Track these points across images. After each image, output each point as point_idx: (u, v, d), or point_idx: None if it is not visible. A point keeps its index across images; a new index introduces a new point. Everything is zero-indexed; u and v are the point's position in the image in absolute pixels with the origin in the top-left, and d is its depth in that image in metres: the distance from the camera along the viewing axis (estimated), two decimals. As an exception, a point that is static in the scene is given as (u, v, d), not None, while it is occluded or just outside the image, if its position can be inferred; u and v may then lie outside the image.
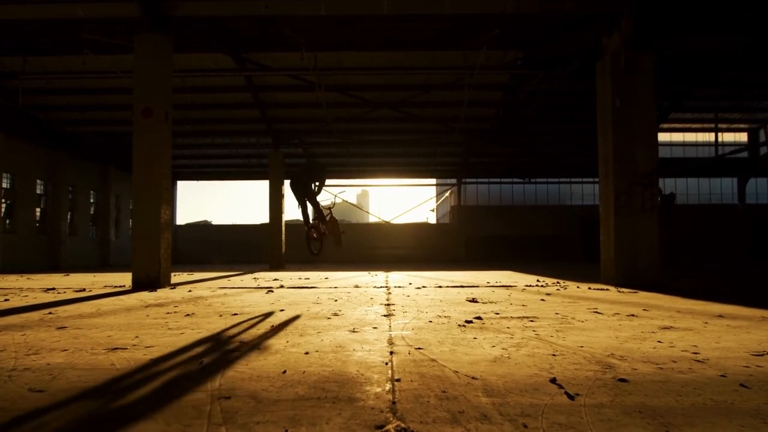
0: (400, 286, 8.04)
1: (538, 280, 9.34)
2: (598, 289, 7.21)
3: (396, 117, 16.69)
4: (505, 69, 12.74)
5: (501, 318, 4.23)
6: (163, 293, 6.89)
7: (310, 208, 8.21)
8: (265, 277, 11.07)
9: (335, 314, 4.52)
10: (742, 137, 24.14)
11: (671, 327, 3.70)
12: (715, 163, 23.27)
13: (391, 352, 2.82)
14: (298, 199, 7.96)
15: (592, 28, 9.02)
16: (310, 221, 8.20)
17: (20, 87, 13.24)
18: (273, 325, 3.85)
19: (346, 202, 28.62)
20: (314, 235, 8.21)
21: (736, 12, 9.74)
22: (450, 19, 9.62)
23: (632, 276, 7.97)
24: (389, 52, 12.34)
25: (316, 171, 8.12)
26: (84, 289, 7.59)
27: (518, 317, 4.27)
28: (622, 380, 2.22)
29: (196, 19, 9.00)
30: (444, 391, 2.05)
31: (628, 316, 4.34)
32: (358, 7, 8.98)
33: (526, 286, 8.06)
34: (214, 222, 34.28)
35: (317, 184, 8.18)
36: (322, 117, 16.31)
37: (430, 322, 4.01)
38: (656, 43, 8.84)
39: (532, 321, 4.04)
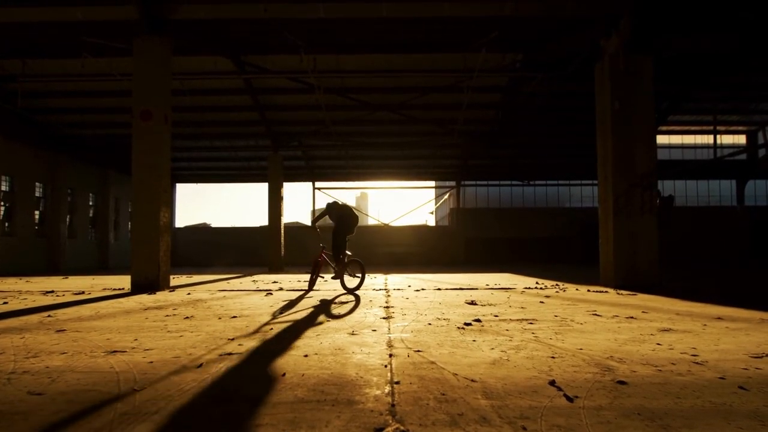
0: (399, 289, 8.04)
1: (537, 283, 9.34)
2: (597, 292, 7.21)
3: (395, 119, 16.72)
4: (504, 71, 12.77)
5: (500, 320, 4.23)
6: (162, 296, 6.88)
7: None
8: (265, 280, 11.07)
9: (334, 317, 4.52)
10: (741, 139, 24.18)
11: (670, 329, 3.71)
12: (714, 165, 23.31)
13: (391, 355, 2.82)
14: (341, 234, 7.32)
15: (591, 30, 9.04)
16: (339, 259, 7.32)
17: (19, 89, 13.24)
18: (272, 328, 3.85)
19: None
20: (321, 265, 7.45)
21: (736, 12, 9.74)
22: (449, 22, 9.65)
23: (631, 278, 7.97)
24: (388, 55, 12.36)
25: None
26: (83, 292, 7.58)
27: (517, 320, 4.27)
28: (621, 382, 2.22)
29: (195, 22, 9.01)
30: (443, 394, 2.05)
31: (627, 318, 4.34)
32: (356, 10, 9.00)
33: (525, 288, 8.06)
34: (213, 224, 34.28)
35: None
36: (321, 119, 16.34)
37: (429, 324, 4.01)
38: (655, 45, 8.85)
39: (531, 323, 4.04)
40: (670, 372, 2.41)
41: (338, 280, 7.30)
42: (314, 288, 7.82)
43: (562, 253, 25.91)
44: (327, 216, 7.76)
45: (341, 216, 7.55)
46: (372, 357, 2.77)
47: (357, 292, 7.12)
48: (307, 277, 12.36)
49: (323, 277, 7.34)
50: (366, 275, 7.34)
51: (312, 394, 2.06)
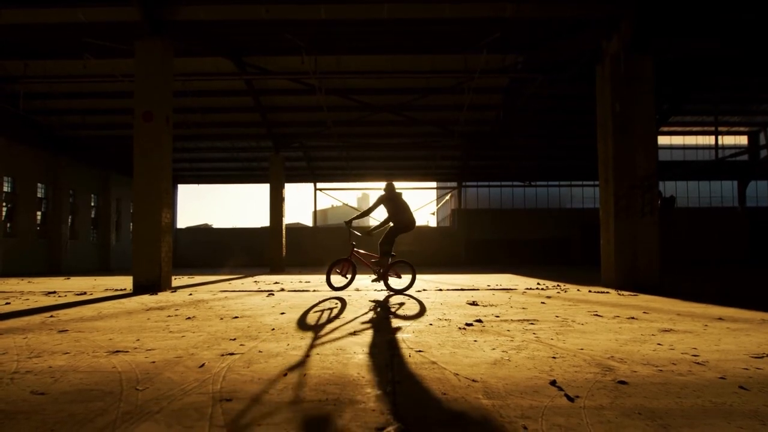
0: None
1: (538, 283, 9.34)
2: (598, 292, 7.21)
3: (396, 120, 16.75)
4: (505, 72, 12.78)
5: (501, 321, 4.23)
6: (163, 296, 6.90)
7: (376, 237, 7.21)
8: (266, 281, 11.08)
9: (336, 317, 4.53)
10: (742, 140, 24.16)
11: (671, 330, 3.71)
12: (715, 166, 23.28)
13: (392, 355, 2.82)
14: (397, 232, 6.96)
15: (592, 32, 9.05)
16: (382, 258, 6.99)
17: (21, 91, 13.28)
18: (273, 328, 3.86)
19: (347, 205, 28.64)
20: (349, 264, 7.03)
21: (738, 15, 9.73)
22: (450, 23, 9.66)
23: (632, 279, 7.97)
24: (389, 56, 12.38)
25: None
26: (85, 293, 7.60)
27: (518, 320, 4.27)
28: (622, 382, 2.22)
29: (196, 24, 9.04)
30: (444, 394, 2.06)
31: (628, 318, 4.34)
32: (358, 11, 9.01)
33: (527, 289, 8.06)
34: (215, 225, 34.29)
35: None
36: (322, 120, 16.36)
37: (431, 325, 4.02)
38: (656, 47, 8.85)
39: (532, 324, 4.04)
40: (671, 372, 2.42)
41: (380, 281, 6.97)
42: (317, 282, 7.65)
43: (564, 254, 25.90)
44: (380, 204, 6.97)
45: (400, 207, 6.95)
46: (373, 357, 2.77)
47: (352, 290, 7.08)
48: (309, 277, 12.38)
49: (346, 277, 7.10)
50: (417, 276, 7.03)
51: (314, 393, 2.07)
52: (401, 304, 5.67)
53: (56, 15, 8.98)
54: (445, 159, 23.13)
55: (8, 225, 16.46)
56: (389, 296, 6.73)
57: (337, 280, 7.13)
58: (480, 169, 24.86)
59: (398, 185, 27.19)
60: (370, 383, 2.23)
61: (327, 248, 26.16)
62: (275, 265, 17.81)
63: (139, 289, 7.87)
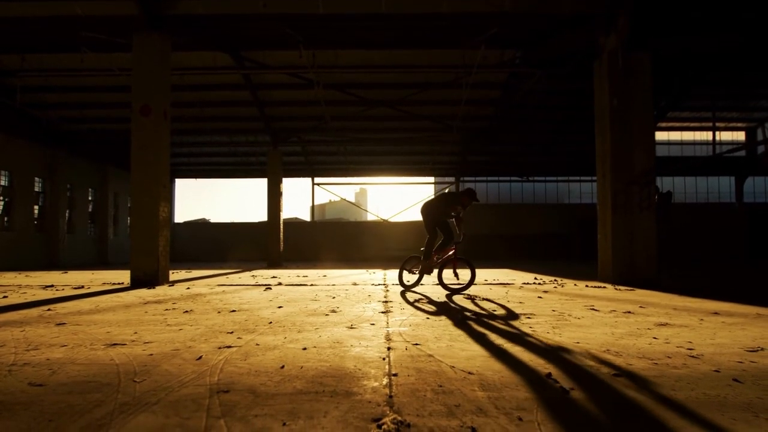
0: (398, 284, 8.04)
1: (535, 278, 9.37)
2: (595, 287, 7.24)
3: (394, 115, 16.71)
4: (503, 67, 12.75)
5: (498, 315, 4.25)
6: (161, 290, 6.90)
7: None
8: (264, 275, 11.08)
9: (333, 311, 4.54)
10: (740, 136, 24.18)
11: (667, 324, 3.73)
12: (713, 161, 23.30)
13: (389, 348, 2.83)
14: (431, 223, 6.66)
15: (590, 27, 9.03)
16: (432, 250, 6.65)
17: (18, 85, 13.21)
18: (271, 322, 3.87)
19: (345, 200, 28.64)
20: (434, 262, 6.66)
21: (737, 13, 9.71)
22: (448, 18, 9.62)
23: (629, 274, 7.99)
24: (387, 51, 12.34)
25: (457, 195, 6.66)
26: (82, 286, 7.60)
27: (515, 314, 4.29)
28: (617, 375, 2.24)
29: (194, 18, 8.99)
30: (440, 386, 2.07)
31: (624, 313, 4.36)
32: (356, 6, 8.99)
33: (524, 283, 8.08)
34: (213, 220, 34.27)
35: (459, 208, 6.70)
36: (320, 115, 16.33)
37: (428, 318, 4.03)
38: (654, 43, 8.83)
39: (529, 318, 4.06)
40: (666, 365, 2.44)
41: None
42: (315, 276, 7.71)
43: (563, 249, 25.93)
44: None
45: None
46: (370, 350, 2.79)
47: (349, 285, 7.05)
48: (306, 272, 12.39)
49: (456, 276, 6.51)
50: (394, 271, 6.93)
51: (310, 385, 2.08)
52: (399, 299, 5.68)
53: (53, 8, 8.92)
54: (443, 154, 23.11)
55: (5, 219, 16.41)
56: (387, 290, 6.74)
57: (450, 279, 6.70)
58: (478, 164, 24.84)
59: (396, 180, 27.26)
60: (366, 375, 2.24)
61: (325, 243, 26.19)
62: (273, 260, 17.82)
63: (136, 283, 7.87)
